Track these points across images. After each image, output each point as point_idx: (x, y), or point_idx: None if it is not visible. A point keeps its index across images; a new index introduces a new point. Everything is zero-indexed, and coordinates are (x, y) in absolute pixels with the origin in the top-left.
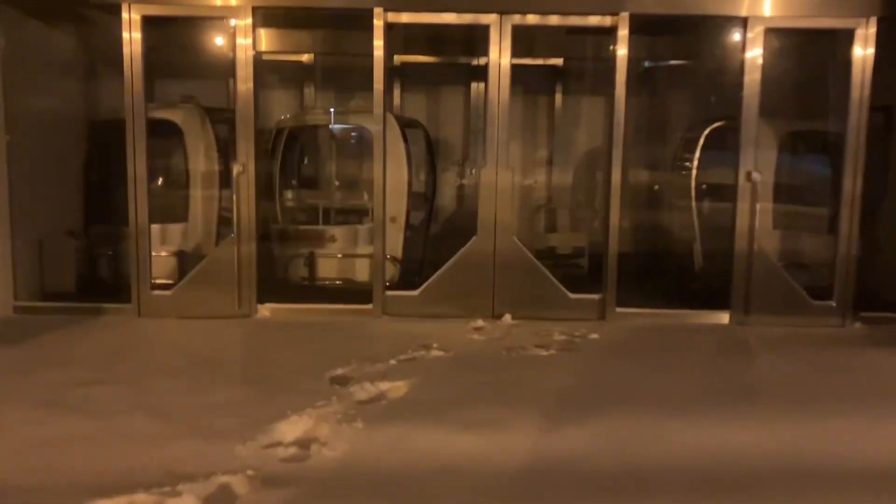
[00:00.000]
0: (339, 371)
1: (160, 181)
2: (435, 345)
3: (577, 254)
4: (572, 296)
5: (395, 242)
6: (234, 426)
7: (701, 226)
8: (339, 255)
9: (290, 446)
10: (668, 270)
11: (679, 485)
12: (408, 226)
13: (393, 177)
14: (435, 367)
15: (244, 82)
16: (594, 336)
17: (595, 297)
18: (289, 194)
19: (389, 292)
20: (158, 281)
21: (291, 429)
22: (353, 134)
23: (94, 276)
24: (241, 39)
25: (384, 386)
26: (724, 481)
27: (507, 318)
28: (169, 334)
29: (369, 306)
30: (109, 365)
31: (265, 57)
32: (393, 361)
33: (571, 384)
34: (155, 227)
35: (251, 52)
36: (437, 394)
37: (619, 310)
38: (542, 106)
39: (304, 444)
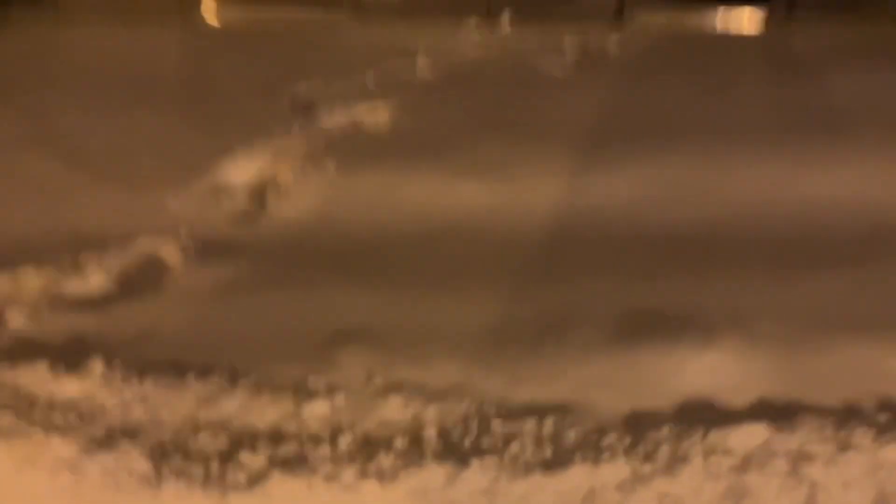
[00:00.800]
0: (302, 89)
1: None
2: (420, 54)
3: None
4: None
5: None
6: (163, 168)
7: None
8: None
9: (237, 196)
10: None
11: (750, 247)
12: None
13: None
14: (423, 86)
15: None
16: (614, 46)
17: None
18: None
19: None
20: None
21: (240, 171)
22: None
23: None
24: None
25: (360, 111)
26: (812, 243)
27: (506, 17)
28: (87, 43)
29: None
30: (7, 89)
31: None
32: (370, 76)
33: (597, 113)
34: None
35: None
36: (429, 124)
37: (639, 10)
38: None
39: (256, 192)
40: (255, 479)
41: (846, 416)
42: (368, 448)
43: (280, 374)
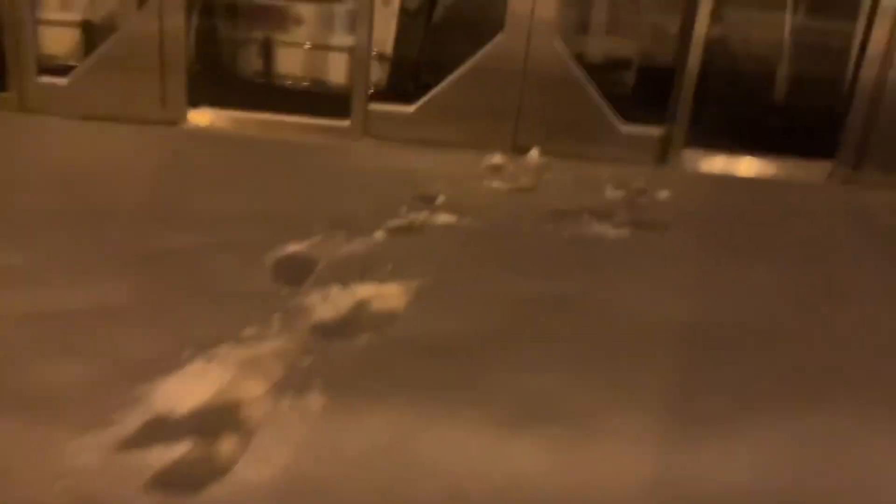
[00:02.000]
0: (293, 247)
1: None
2: (440, 198)
3: (619, 66)
4: (624, 128)
5: (384, 32)
6: (72, 397)
7: (794, 43)
8: (307, 45)
9: (173, 443)
10: (734, 96)
11: None
12: (402, 9)
13: None
14: (445, 251)
15: None
16: (664, 194)
17: (654, 130)
18: None
19: (375, 105)
20: (57, 63)
21: (183, 395)
22: None
23: None
24: None
25: (365, 292)
26: None
27: (534, 153)
28: (47, 146)
29: (346, 122)
30: None
31: None
32: (379, 234)
33: (689, 318)
34: None
35: None
36: (460, 322)
37: (686, 151)
38: None
39: (203, 437)
40: None
41: None
42: None
43: None
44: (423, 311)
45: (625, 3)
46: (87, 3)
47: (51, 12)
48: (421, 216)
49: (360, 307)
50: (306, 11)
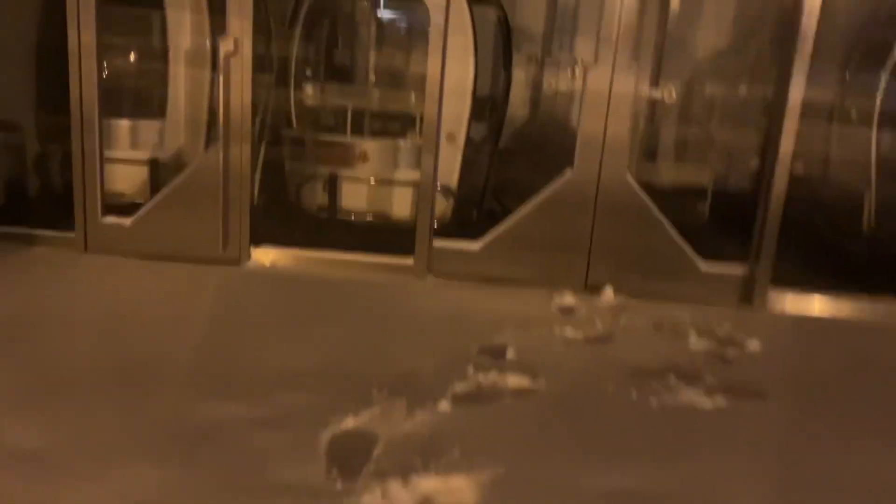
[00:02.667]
0: (349, 422)
1: (132, 58)
2: (510, 351)
3: (693, 195)
4: (704, 267)
5: (449, 166)
6: None
7: (880, 169)
8: (372, 181)
9: None
10: (818, 227)
11: None
12: (468, 142)
13: (454, 75)
14: (518, 429)
15: None
16: (754, 344)
17: (737, 269)
18: (308, 89)
19: (439, 242)
20: (126, 200)
21: None
22: (401, 12)
23: (42, 185)
24: None
25: (429, 486)
26: None
27: (608, 293)
28: (103, 289)
29: (409, 260)
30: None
31: None
32: (444, 404)
33: None
34: (122, 125)
35: None
36: None
37: (773, 292)
38: None
39: None
40: None
41: None
42: None
43: None
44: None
45: (696, 128)
46: (157, 141)
47: (119, 151)
48: (489, 377)
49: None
50: (372, 147)
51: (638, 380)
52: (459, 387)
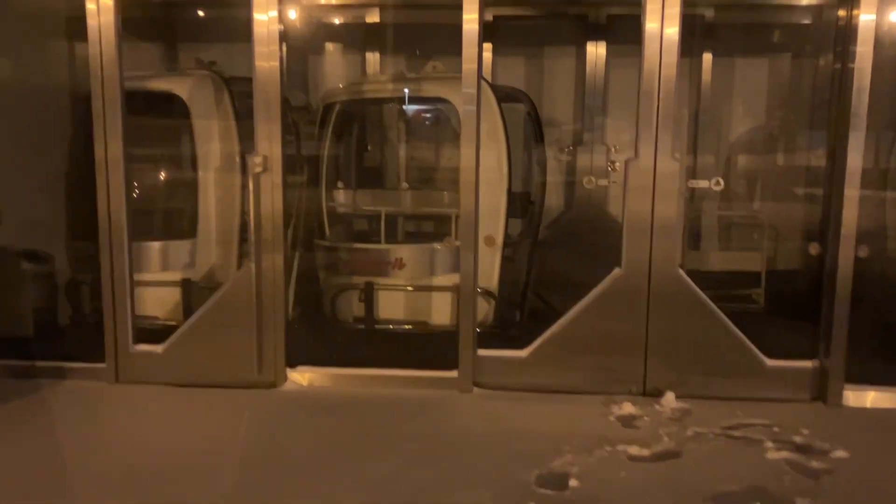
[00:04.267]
0: None
1: (161, 177)
2: (572, 482)
3: (746, 283)
4: (770, 362)
5: (489, 268)
6: None
7: None
8: (409, 288)
9: None
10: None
11: None
12: (506, 242)
13: (487, 169)
14: None
15: (265, 45)
16: (839, 452)
17: (806, 364)
18: (339, 196)
19: (483, 351)
20: (159, 322)
21: None
22: (429, 113)
23: (73, 317)
24: None
25: None
26: None
27: (670, 398)
28: (128, 423)
29: (453, 373)
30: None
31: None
32: None
33: None
34: (152, 246)
35: None
36: None
37: (848, 388)
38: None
39: None
40: None
41: None
42: None
43: None
44: None
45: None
46: (188, 262)
47: (150, 273)
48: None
49: None
50: (408, 253)
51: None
52: None
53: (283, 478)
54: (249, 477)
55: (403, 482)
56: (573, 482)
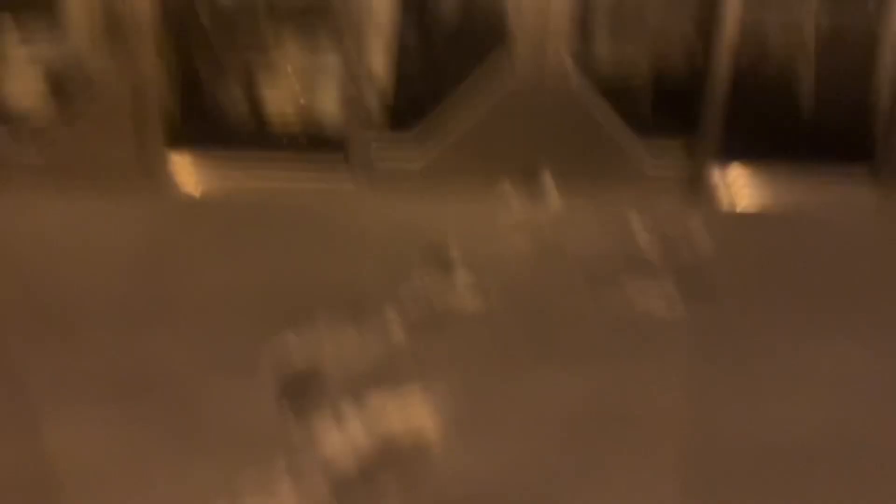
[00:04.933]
0: (297, 356)
1: None
2: (455, 255)
3: (629, 78)
4: (647, 156)
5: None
6: None
7: (821, 35)
8: (294, 78)
9: None
10: (751, 96)
11: None
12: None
13: None
14: (471, 343)
15: None
16: (706, 242)
17: (676, 143)
18: None
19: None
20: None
21: None
22: None
23: None
24: None
25: (383, 408)
26: None
27: (548, 181)
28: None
29: (339, 155)
30: None
31: None
32: (392, 316)
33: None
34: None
35: None
36: (504, 457)
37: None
38: None
39: None
40: None
41: None
42: None
43: None
44: (459, 447)
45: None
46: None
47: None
48: (437, 286)
49: (385, 439)
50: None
51: (590, 285)
52: (403, 299)
53: (177, 268)
54: (141, 268)
55: (296, 268)
56: (456, 258)
